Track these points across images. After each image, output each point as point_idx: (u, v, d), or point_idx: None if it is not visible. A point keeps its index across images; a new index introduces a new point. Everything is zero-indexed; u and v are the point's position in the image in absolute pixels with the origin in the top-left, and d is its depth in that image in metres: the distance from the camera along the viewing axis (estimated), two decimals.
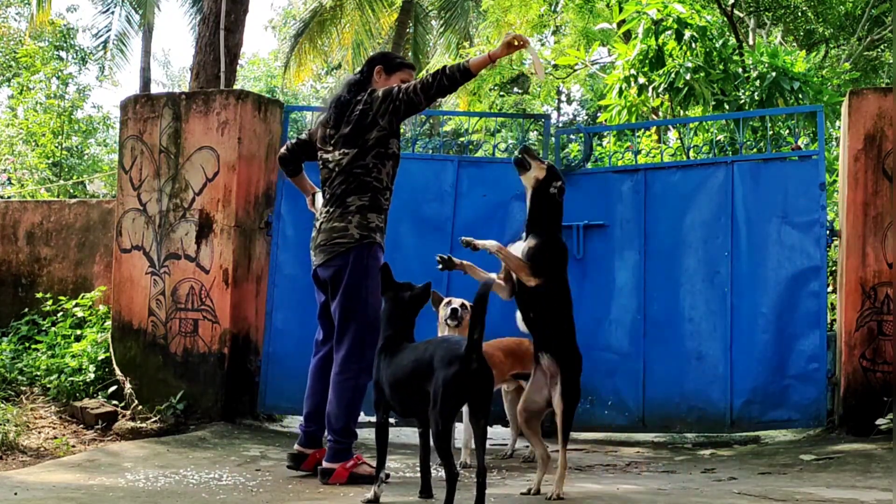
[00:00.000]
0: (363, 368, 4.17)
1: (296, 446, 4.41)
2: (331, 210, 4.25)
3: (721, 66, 8.56)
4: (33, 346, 6.67)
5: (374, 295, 4.16)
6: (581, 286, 6.29)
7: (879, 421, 5.36)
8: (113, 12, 22.02)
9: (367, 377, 4.16)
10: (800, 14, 12.93)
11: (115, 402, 6.00)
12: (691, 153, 7.42)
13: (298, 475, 4.37)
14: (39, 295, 7.05)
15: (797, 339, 5.78)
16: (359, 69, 4.49)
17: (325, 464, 4.19)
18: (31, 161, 11.55)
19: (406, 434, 6.14)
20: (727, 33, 9.65)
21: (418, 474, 4.55)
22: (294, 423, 6.41)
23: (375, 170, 4.25)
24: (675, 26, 8.25)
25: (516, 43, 4.09)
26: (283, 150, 4.70)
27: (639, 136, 9.47)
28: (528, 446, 5.05)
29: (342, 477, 4.12)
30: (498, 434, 6.11)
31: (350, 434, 4.21)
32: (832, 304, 6.44)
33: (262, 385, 6.09)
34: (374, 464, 3.90)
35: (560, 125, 24.60)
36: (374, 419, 6.04)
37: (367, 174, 4.23)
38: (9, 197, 10.42)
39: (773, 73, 8.25)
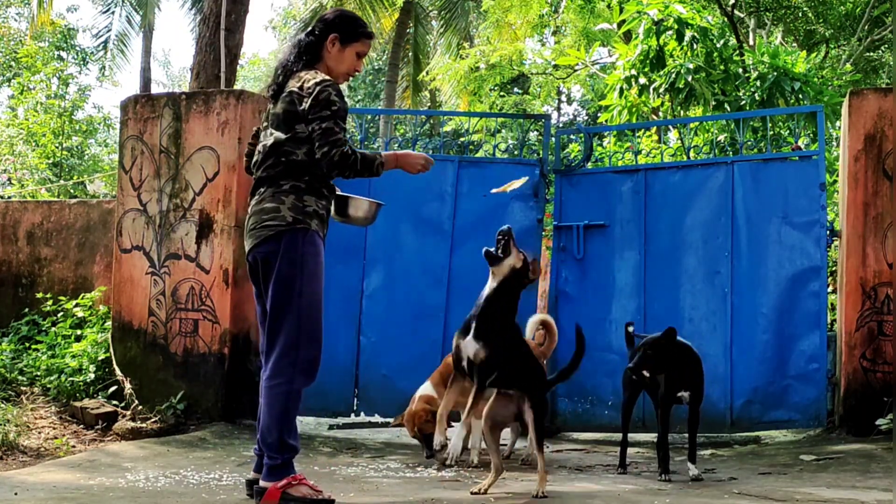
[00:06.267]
0: (298, 371, 3.55)
1: (252, 473, 3.80)
2: (262, 191, 3.69)
3: (722, 67, 8.58)
4: (33, 347, 6.66)
5: (308, 287, 3.58)
6: (581, 286, 6.31)
7: (879, 421, 5.36)
8: (113, 12, 22.08)
9: (304, 381, 3.58)
10: (800, 14, 12.95)
11: (115, 402, 6.00)
12: (692, 153, 7.41)
13: None
14: (39, 295, 7.05)
15: (797, 339, 5.78)
16: (310, 28, 3.80)
17: (261, 482, 3.59)
18: (32, 161, 11.53)
19: (407, 434, 6.12)
20: (728, 34, 9.66)
21: (418, 474, 4.57)
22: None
23: (314, 159, 3.60)
24: (676, 27, 8.27)
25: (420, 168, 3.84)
26: (246, 160, 4.01)
27: (639, 137, 9.47)
28: (526, 447, 5.06)
29: (274, 497, 3.49)
30: None
31: (286, 449, 3.56)
32: (832, 304, 6.44)
33: None
34: (317, 487, 3.58)
35: (560, 125, 24.60)
36: (373, 419, 6.08)
37: (304, 160, 3.61)
38: (9, 197, 10.40)
39: (774, 74, 8.27)
